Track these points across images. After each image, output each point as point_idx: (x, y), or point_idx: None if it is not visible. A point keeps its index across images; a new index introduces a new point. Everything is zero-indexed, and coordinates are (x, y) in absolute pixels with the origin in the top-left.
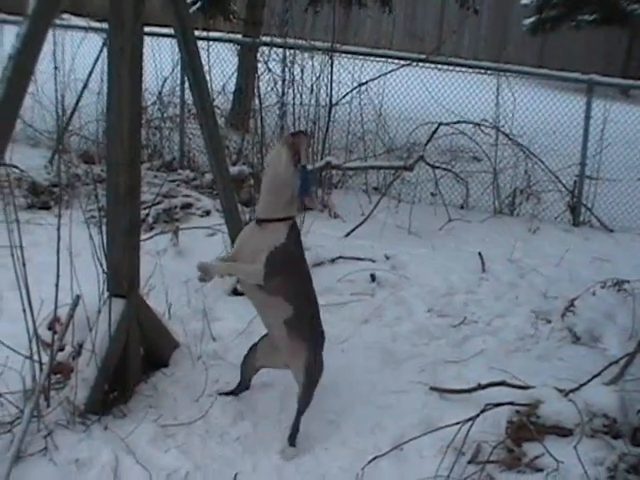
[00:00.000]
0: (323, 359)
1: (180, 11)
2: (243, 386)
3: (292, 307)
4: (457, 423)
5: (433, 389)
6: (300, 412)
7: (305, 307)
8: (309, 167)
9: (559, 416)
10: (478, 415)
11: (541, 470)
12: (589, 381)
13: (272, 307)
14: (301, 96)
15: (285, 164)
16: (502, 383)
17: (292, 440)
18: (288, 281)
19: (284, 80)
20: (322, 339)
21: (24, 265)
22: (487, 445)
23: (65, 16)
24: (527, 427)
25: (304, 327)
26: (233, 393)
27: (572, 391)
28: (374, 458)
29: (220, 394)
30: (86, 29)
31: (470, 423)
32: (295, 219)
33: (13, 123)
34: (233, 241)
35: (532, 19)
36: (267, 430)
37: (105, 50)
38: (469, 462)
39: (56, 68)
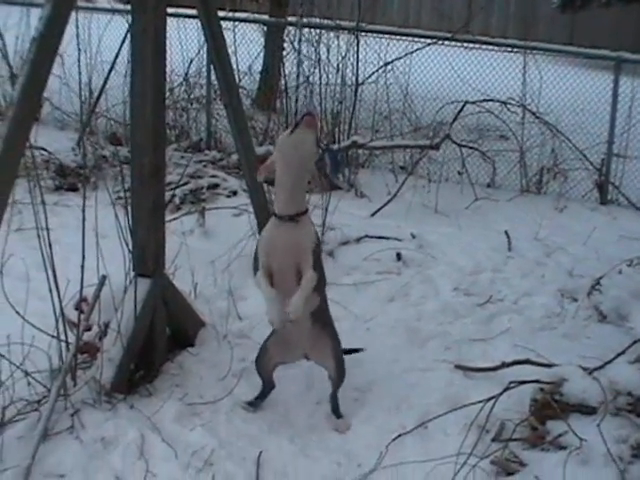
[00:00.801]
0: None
1: None
2: (268, 388)
3: (320, 298)
4: (481, 401)
5: (458, 367)
6: (336, 388)
7: (325, 295)
8: (334, 146)
9: (583, 394)
10: (502, 393)
11: (564, 448)
12: (614, 359)
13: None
14: (327, 76)
15: (313, 148)
16: (526, 361)
17: (337, 412)
18: (320, 274)
19: (314, 60)
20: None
21: (50, 246)
22: (511, 423)
23: None
24: (551, 405)
25: (326, 315)
26: (259, 398)
27: (596, 369)
28: (398, 435)
29: (246, 404)
30: (112, 11)
31: (494, 401)
32: None
33: (38, 103)
34: (259, 220)
35: None
36: (292, 408)
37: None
38: (493, 440)
39: (80, 50)
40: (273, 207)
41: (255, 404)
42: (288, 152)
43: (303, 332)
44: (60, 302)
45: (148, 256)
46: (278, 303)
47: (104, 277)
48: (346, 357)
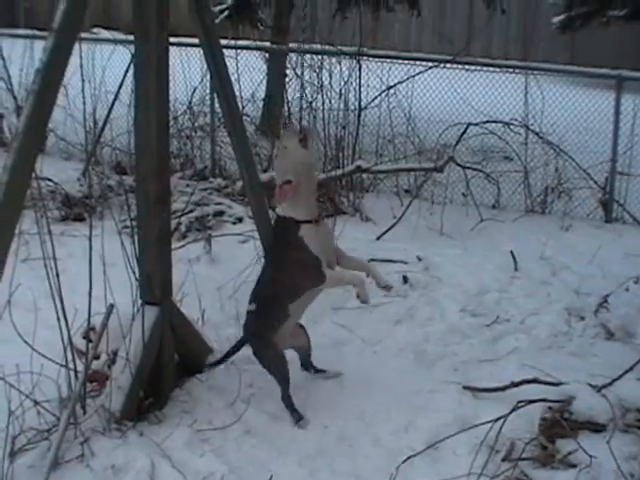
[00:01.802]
0: None
1: (205, 21)
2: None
3: None
4: (490, 421)
5: (466, 388)
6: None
7: None
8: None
9: (592, 412)
10: (511, 412)
11: (574, 466)
12: (622, 376)
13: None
14: (330, 101)
15: (308, 152)
16: (534, 380)
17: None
18: None
19: (319, 85)
20: None
21: (58, 276)
22: (520, 442)
23: (95, 30)
24: (560, 423)
25: None
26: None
27: (605, 386)
28: (408, 457)
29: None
30: (115, 42)
31: (503, 421)
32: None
33: (43, 134)
34: (265, 247)
35: (561, 17)
36: (300, 432)
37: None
38: (503, 459)
39: (84, 81)
40: (298, 216)
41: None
42: (310, 164)
43: (295, 325)
44: (68, 331)
45: (155, 284)
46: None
47: (112, 306)
48: (351, 381)
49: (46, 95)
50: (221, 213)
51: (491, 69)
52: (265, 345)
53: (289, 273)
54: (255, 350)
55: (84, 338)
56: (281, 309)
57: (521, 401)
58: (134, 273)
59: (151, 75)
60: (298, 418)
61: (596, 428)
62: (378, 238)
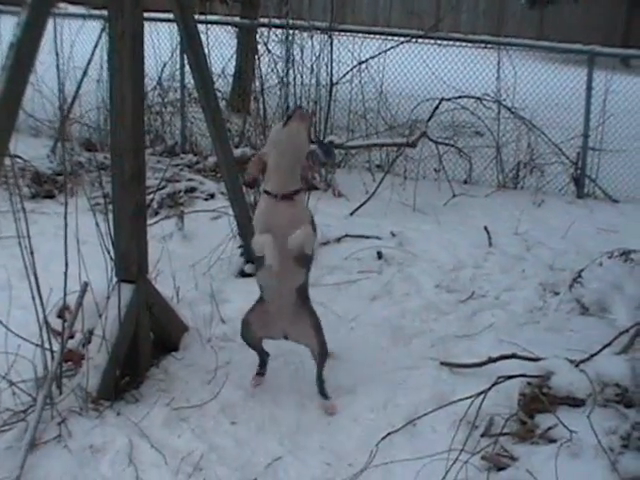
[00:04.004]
0: None
1: None
2: (263, 357)
3: (306, 274)
4: (469, 397)
5: (444, 364)
6: (321, 366)
7: (308, 276)
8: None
9: (571, 387)
10: (490, 388)
11: (555, 441)
12: (600, 351)
13: (294, 275)
14: (302, 76)
15: (304, 139)
16: (513, 356)
17: (324, 393)
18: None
19: (286, 60)
20: None
21: (32, 254)
22: (500, 418)
23: (62, 5)
24: (539, 399)
25: (307, 291)
26: (261, 374)
27: (583, 361)
28: (388, 434)
29: (255, 383)
30: (84, 17)
31: (482, 396)
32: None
33: (17, 112)
34: (239, 223)
35: None
36: (279, 408)
37: (103, 37)
38: (482, 435)
39: (57, 56)
40: (264, 186)
41: (261, 373)
42: (282, 142)
43: (286, 307)
44: (43, 310)
45: (131, 262)
46: (275, 246)
47: (86, 284)
48: (331, 359)
49: (20, 71)
50: (193, 189)
51: (463, 44)
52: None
53: None
54: None
55: (59, 317)
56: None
57: (501, 377)
58: (108, 251)
59: (126, 51)
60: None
61: (575, 403)
62: (351, 214)
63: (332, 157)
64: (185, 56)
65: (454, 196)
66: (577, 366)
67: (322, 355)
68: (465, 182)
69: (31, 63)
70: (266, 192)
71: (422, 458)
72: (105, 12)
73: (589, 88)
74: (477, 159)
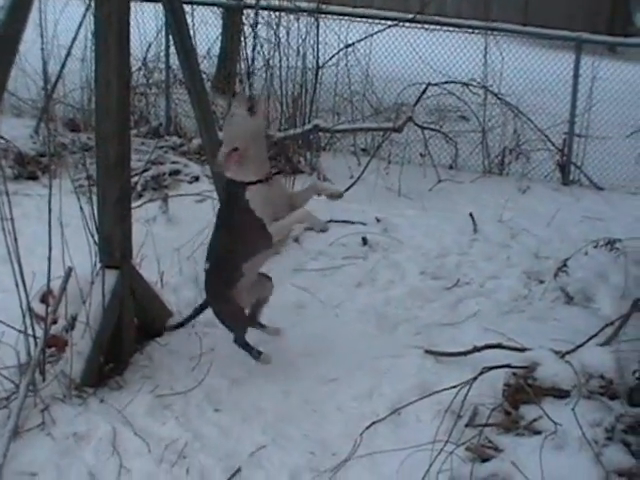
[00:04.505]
0: None
1: None
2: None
3: None
4: (454, 387)
5: (429, 352)
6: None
7: None
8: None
9: (556, 378)
10: (475, 379)
11: (539, 433)
12: (585, 342)
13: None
14: (287, 59)
15: (258, 119)
16: (498, 345)
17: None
18: None
19: (274, 43)
20: None
21: (16, 240)
22: (484, 408)
23: None
24: (524, 389)
25: None
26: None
27: (568, 353)
28: (372, 423)
29: (259, 356)
30: None
31: (468, 387)
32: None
33: (2, 95)
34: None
35: None
36: (263, 396)
37: (88, 15)
38: (467, 425)
39: (41, 35)
40: (246, 178)
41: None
42: (259, 131)
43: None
44: (27, 296)
45: (115, 247)
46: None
47: (70, 269)
48: (312, 345)
49: (4, 55)
50: (177, 172)
51: (450, 29)
52: (223, 301)
53: (239, 236)
54: (214, 308)
55: (42, 302)
56: (235, 269)
57: (485, 367)
58: (92, 236)
59: (112, 34)
60: (257, 354)
61: (560, 394)
62: None
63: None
64: (170, 37)
65: (439, 181)
66: (562, 357)
67: None
68: (451, 167)
69: (16, 47)
70: (253, 182)
71: (406, 449)
72: None
73: (576, 75)
74: (463, 144)
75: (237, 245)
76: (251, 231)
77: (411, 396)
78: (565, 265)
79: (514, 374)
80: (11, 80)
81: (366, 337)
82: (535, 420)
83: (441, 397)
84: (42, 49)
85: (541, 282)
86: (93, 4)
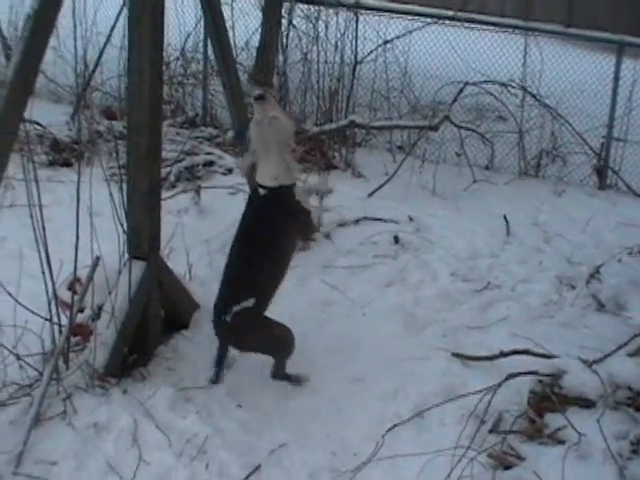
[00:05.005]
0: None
1: None
2: None
3: None
4: (479, 391)
5: (455, 355)
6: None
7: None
8: None
9: (582, 387)
10: (500, 385)
11: (563, 442)
12: (614, 352)
13: None
14: (325, 53)
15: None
16: (525, 352)
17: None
18: None
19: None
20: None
21: (43, 226)
22: (509, 415)
23: None
24: (549, 398)
25: None
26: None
27: (596, 362)
28: (394, 425)
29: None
30: None
31: (492, 393)
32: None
33: (33, 83)
34: None
35: None
36: (286, 393)
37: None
38: (490, 431)
39: (75, 22)
40: (291, 180)
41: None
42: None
43: None
44: (53, 283)
45: (143, 238)
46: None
47: (98, 258)
48: (340, 344)
49: (36, 43)
50: (211, 163)
51: (490, 27)
52: (265, 327)
53: (293, 244)
54: (251, 345)
55: (69, 290)
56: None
57: (511, 374)
58: (121, 225)
59: (145, 23)
60: (297, 380)
61: (586, 404)
62: (370, 195)
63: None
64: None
65: (474, 182)
66: (590, 366)
67: None
68: (486, 168)
69: (48, 35)
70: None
71: (428, 453)
72: None
73: (616, 78)
74: (499, 145)
75: (290, 256)
76: (304, 231)
77: (435, 399)
78: (598, 271)
79: (540, 381)
80: (50, 66)
81: (393, 337)
82: (559, 429)
83: (465, 401)
84: (74, 37)
85: (573, 288)
86: None
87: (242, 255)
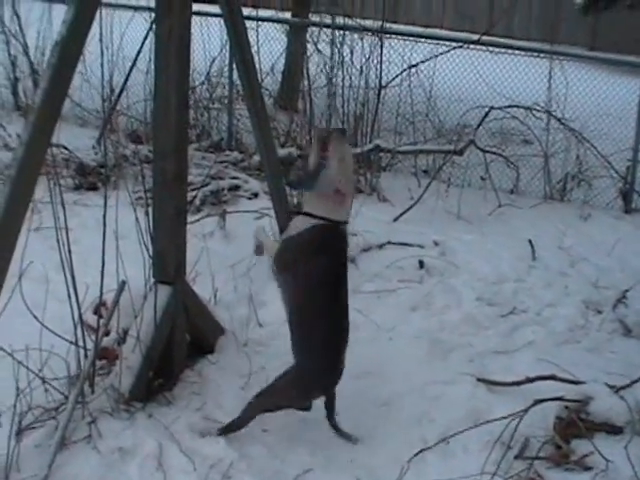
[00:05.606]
0: (292, 395)
1: None
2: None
3: (287, 311)
4: (505, 417)
5: (481, 381)
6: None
7: (300, 323)
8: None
9: (609, 413)
10: (527, 410)
11: (590, 469)
12: None
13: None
14: (350, 78)
15: (313, 161)
16: (551, 377)
17: (221, 430)
18: (284, 282)
19: (333, 61)
20: (319, 379)
21: (69, 251)
22: (535, 440)
23: None
24: (576, 424)
25: (294, 342)
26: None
27: (623, 388)
28: (420, 451)
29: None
30: (135, 8)
31: (518, 420)
32: (332, 224)
33: (60, 108)
34: (280, 224)
35: None
36: (314, 421)
37: (153, 29)
38: (516, 457)
39: (102, 48)
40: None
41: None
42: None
43: None
44: (79, 307)
45: (169, 263)
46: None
47: (124, 282)
48: (365, 368)
49: (64, 70)
50: (237, 187)
51: (515, 52)
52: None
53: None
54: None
55: (95, 314)
56: None
57: (538, 400)
58: (147, 249)
59: (172, 50)
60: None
61: (613, 430)
62: (395, 220)
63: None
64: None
65: (499, 206)
66: (617, 392)
67: (244, 410)
68: (511, 192)
69: (75, 62)
70: None
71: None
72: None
73: None
74: (524, 169)
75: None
76: None
77: (461, 425)
78: (624, 296)
79: (566, 407)
80: (76, 90)
81: (418, 362)
82: (586, 456)
83: (491, 427)
84: (101, 64)
85: (599, 312)
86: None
87: (344, 297)
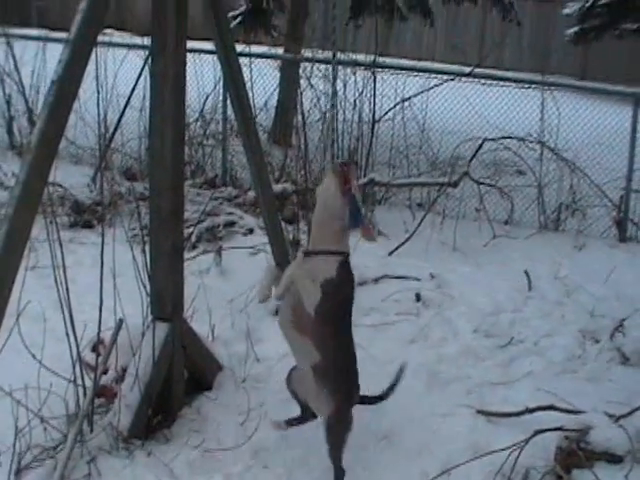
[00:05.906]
0: (352, 416)
1: (221, 26)
2: (306, 414)
3: (320, 355)
4: (505, 449)
5: (480, 412)
6: (335, 465)
7: (336, 358)
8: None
9: (609, 442)
10: (527, 441)
11: None
12: None
13: (300, 348)
14: (344, 112)
15: (334, 194)
16: (551, 407)
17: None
18: (323, 325)
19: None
20: (354, 395)
21: (67, 290)
22: (536, 472)
23: (108, 31)
24: (576, 453)
25: (332, 378)
26: (291, 424)
27: (623, 416)
28: None
29: (282, 422)
30: (128, 46)
31: (519, 451)
32: (348, 257)
33: (56, 148)
34: (276, 260)
35: (575, 29)
36: (312, 452)
37: (147, 66)
38: None
39: (98, 85)
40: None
41: (290, 422)
42: (317, 195)
43: (309, 383)
44: (77, 345)
45: (166, 300)
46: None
47: (121, 321)
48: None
49: (60, 109)
50: (232, 224)
51: (507, 84)
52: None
53: None
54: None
55: (93, 351)
56: None
57: (538, 431)
58: (144, 286)
59: (167, 88)
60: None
61: (613, 460)
62: (390, 253)
63: (358, 224)
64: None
65: (494, 237)
66: (616, 421)
67: (332, 457)
68: (506, 223)
69: (72, 101)
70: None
71: None
72: (148, 41)
73: (634, 130)
74: (518, 199)
75: None
76: None
77: (461, 456)
78: (621, 325)
79: (566, 437)
80: (71, 128)
81: (417, 395)
82: None
83: (492, 459)
84: (97, 103)
85: (597, 342)
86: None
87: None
